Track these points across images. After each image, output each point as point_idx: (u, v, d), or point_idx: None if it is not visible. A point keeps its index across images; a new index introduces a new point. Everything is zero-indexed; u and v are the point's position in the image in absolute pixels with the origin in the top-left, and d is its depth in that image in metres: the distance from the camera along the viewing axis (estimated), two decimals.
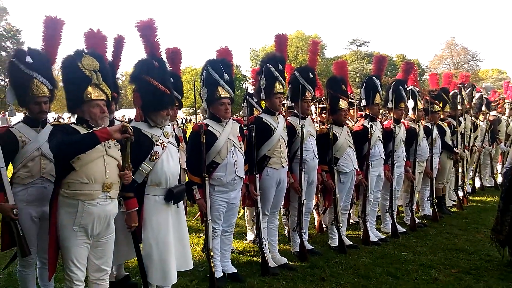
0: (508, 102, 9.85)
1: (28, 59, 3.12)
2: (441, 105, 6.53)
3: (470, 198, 7.91)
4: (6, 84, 45.26)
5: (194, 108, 4.16)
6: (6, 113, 4.22)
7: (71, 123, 2.91)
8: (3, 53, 45.66)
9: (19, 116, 5.19)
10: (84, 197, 2.76)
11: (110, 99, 2.97)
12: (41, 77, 3.17)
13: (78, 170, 2.72)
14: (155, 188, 3.29)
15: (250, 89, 5.92)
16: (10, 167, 3.26)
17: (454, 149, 6.81)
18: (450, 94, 7.12)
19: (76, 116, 2.92)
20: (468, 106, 7.95)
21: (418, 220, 6.33)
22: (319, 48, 5.24)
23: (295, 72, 4.74)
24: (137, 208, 3.18)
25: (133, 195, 3.15)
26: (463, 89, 7.58)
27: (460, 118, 7.35)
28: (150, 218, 3.31)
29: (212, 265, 3.92)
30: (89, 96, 2.80)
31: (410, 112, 6.09)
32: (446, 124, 6.85)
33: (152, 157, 3.27)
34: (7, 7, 49.24)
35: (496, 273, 4.40)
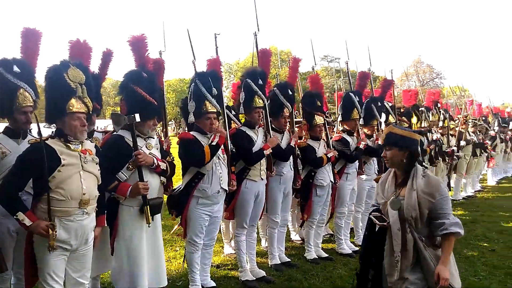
0: (472, 119, 10.39)
1: (16, 68, 3.10)
2: (413, 121, 6.81)
3: None
4: None
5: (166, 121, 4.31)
6: None
7: (48, 137, 2.86)
8: None
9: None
10: (60, 213, 2.74)
11: (91, 112, 2.98)
12: (28, 86, 3.15)
13: (54, 189, 2.70)
14: (131, 198, 3.30)
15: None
16: None
17: (423, 164, 7.06)
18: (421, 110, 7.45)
19: (55, 128, 2.90)
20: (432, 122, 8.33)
21: None
22: (299, 65, 5.37)
23: (274, 88, 4.86)
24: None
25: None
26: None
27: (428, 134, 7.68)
28: (123, 228, 3.33)
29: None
30: (71, 108, 2.78)
31: (383, 126, 6.31)
32: None
33: (130, 166, 3.31)
34: None
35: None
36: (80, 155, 2.84)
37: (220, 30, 4.28)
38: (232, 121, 5.48)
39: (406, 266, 2.67)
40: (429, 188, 2.72)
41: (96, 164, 2.95)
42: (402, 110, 6.99)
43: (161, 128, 4.75)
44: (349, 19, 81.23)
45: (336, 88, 6.95)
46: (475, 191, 10.34)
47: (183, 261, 4.65)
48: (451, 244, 2.68)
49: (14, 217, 2.67)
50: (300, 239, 5.98)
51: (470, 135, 9.55)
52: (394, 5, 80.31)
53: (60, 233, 2.73)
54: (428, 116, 7.76)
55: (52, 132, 2.89)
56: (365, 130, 5.99)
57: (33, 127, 3.30)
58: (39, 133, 2.82)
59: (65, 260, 2.84)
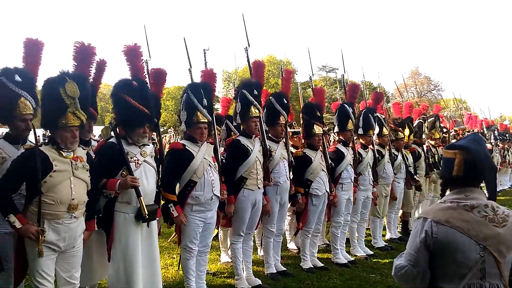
0: (466, 132, 10.48)
1: (17, 77, 3.18)
2: (407, 133, 6.87)
3: None
4: None
5: (164, 128, 4.33)
6: None
7: (42, 143, 3.02)
8: None
9: None
10: (50, 216, 2.87)
11: (85, 122, 3.08)
12: (28, 95, 3.23)
13: (45, 193, 2.82)
14: (126, 205, 3.37)
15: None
16: None
17: (415, 176, 7.05)
18: (415, 123, 7.51)
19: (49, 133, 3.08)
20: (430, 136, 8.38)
21: (385, 243, 6.55)
22: (292, 76, 5.53)
23: (270, 97, 4.95)
24: None
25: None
26: (426, 119, 8.02)
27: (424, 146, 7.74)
28: (119, 235, 3.38)
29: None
30: (64, 122, 2.92)
31: (375, 137, 6.39)
32: (408, 151, 7.14)
33: (123, 172, 3.36)
34: None
35: None
36: (71, 162, 2.97)
37: (213, 43, 4.39)
38: (232, 132, 5.62)
39: None
40: None
41: (87, 171, 3.08)
42: (399, 121, 7.02)
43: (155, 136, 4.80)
44: (348, 30, 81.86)
45: (335, 98, 7.13)
46: None
47: (179, 268, 4.67)
48: None
49: (6, 218, 2.80)
50: (296, 248, 6.01)
51: None
52: (395, 15, 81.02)
53: (50, 235, 2.87)
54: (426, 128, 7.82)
55: (45, 139, 3.02)
56: (362, 140, 6.06)
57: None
58: (35, 140, 2.94)
59: (54, 261, 2.96)
